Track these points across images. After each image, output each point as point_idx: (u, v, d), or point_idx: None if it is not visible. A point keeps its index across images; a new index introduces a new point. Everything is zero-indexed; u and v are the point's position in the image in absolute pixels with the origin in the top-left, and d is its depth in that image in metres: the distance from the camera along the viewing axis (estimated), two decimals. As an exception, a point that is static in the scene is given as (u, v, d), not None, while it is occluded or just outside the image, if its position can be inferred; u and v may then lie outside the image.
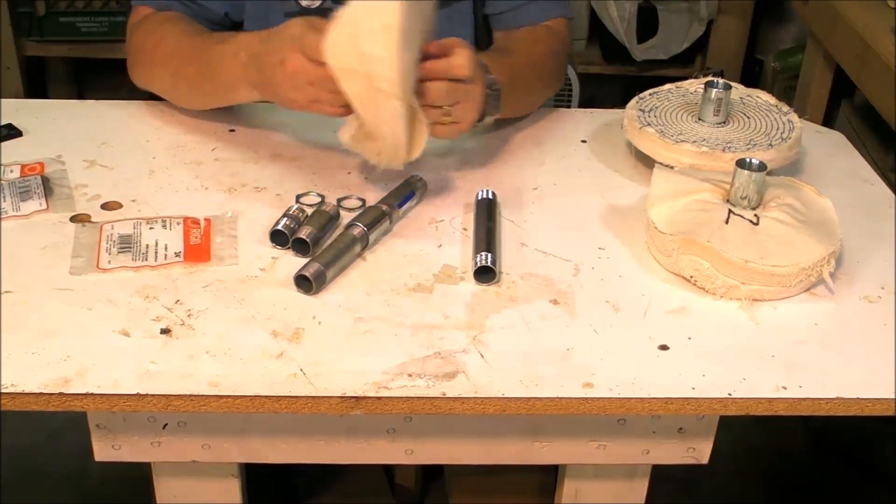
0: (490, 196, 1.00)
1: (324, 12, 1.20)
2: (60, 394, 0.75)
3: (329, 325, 0.84)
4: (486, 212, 0.98)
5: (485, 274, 0.90)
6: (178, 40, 1.10)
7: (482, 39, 1.31)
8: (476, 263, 0.90)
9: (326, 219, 0.95)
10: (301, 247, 0.92)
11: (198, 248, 0.92)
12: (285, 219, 0.94)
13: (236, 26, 1.25)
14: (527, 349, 0.82)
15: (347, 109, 0.93)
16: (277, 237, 0.93)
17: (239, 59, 1.01)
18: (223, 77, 1.04)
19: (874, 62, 1.73)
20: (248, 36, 1.02)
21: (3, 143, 1.10)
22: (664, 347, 0.83)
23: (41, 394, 0.75)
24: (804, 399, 0.79)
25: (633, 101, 1.14)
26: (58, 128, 1.14)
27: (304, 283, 0.87)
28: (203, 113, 1.16)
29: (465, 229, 0.98)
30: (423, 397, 0.77)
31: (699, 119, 1.10)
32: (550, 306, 0.88)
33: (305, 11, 1.20)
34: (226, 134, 1.14)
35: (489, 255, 0.90)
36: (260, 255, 0.92)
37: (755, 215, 0.93)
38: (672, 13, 2.61)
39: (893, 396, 0.79)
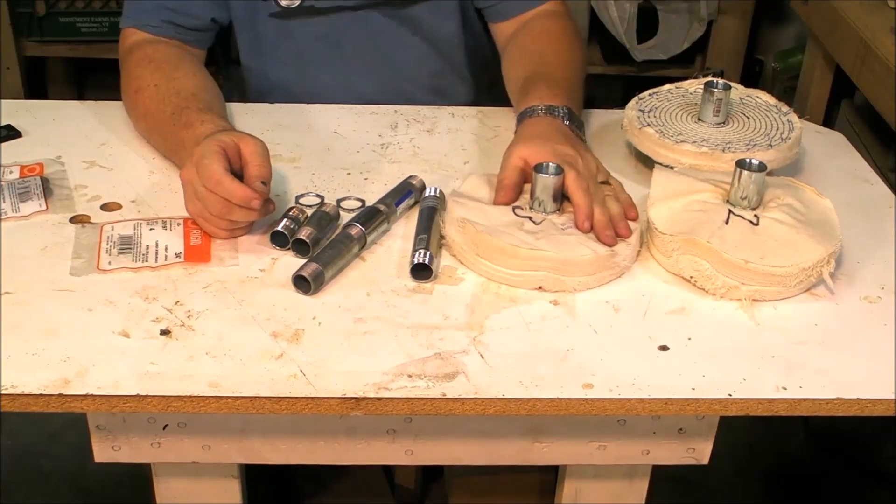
0: (437, 194, 1.01)
1: (306, 10, 1.21)
2: (60, 395, 0.75)
3: (329, 325, 0.84)
4: (429, 209, 0.98)
5: (421, 271, 0.90)
6: (151, 101, 1.07)
7: (472, 33, 1.31)
8: (413, 261, 0.90)
9: (326, 220, 0.95)
10: (301, 247, 0.92)
11: (198, 249, 0.92)
12: (285, 220, 0.94)
13: (224, 30, 1.25)
14: (527, 349, 0.82)
15: (231, 234, 0.94)
16: (277, 238, 0.93)
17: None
18: (180, 160, 1.01)
19: (874, 62, 1.73)
20: (204, 130, 0.99)
21: (3, 144, 1.10)
22: (664, 348, 0.83)
23: (41, 395, 0.75)
24: (804, 399, 0.79)
25: (632, 102, 1.14)
26: (58, 128, 1.14)
27: (303, 283, 0.87)
28: (203, 113, 1.16)
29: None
30: (423, 398, 0.77)
31: (699, 119, 1.10)
32: (550, 306, 0.88)
33: (287, 12, 1.20)
34: (226, 134, 1.13)
35: (428, 252, 0.90)
36: (260, 255, 0.92)
37: (755, 216, 0.93)
38: (672, 13, 2.61)
39: (893, 397, 0.79)
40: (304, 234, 0.92)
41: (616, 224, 0.92)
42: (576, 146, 0.99)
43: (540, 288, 0.89)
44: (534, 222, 0.92)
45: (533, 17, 1.24)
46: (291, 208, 0.96)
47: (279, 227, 0.93)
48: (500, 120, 1.19)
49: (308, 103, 1.22)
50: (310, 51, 1.25)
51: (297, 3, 1.20)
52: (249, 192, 0.89)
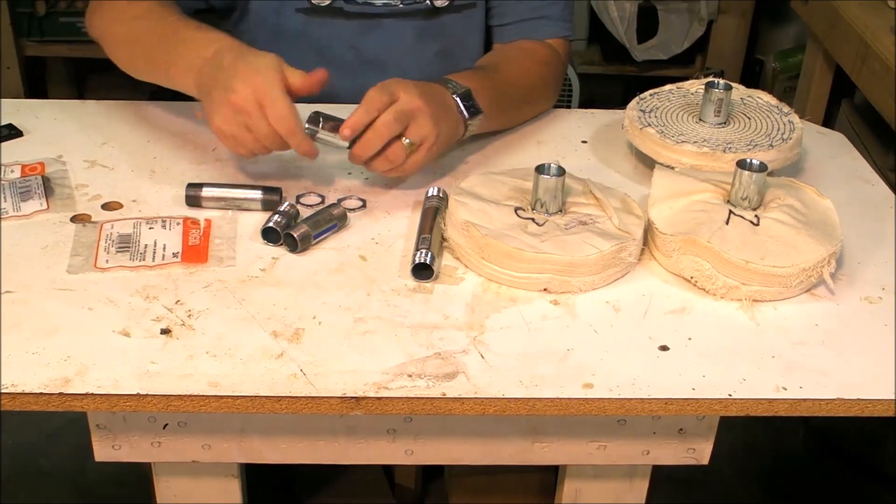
0: (440, 194, 1.01)
1: (333, 11, 1.21)
2: (60, 394, 0.75)
3: (329, 325, 0.84)
4: (432, 209, 0.98)
5: (422, 271, 0.90)
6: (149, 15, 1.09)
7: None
8: (415, 260, 0.90)
9: (326, 217, 0.95)
10: (292, 242, 0.93)
11: (196, 249, 0.92)
12: (277, 216, 0.94)
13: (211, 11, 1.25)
14: (527, 349, 0.82)
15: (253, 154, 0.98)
16: (268, 234, 0.93)
17: (200, 56, 1.01)
18: (176, 66, 1.04)
19: (874, 62, 1.73)
20: (217, 40, 1.01)
21: (4, 143, 1.10)
22: (664, 348, 0.83)
23: (41, 394, 0.75)
24: (804, 400, 0.79)
25: (633, 102, 1.14)
26: (58, 128, 1.14)
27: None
28: (203, 113, 1.16)
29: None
30: (423, 397, 0.77)
31: (700, 119, 1.10)
32: (550, 306, 0.88)
33: (315, 9, 1.20)
34: (226, 134, 1.13)
35: (430, 252, 0.90)
36: (260, 255, 0.92)
37: (756, 216, 0.93)
38: (672, 13, 2.61)
39: (893, 397, 0.79)
40: (297, 231, 0.92)
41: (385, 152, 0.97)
42: (435, 107, 1.00)
43: (545, 290, 0.89)
44: (537, 224, 0.92)
45: (534, 47, 1.25)
46: (283, 205, 0.96)
47: (270, 224, 0.93)
48: (501, 120, 1.19)
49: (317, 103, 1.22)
50: (329, 51, 1.24)
51: (327, 2, 1.20)
52: (310, 147, 0.96)
